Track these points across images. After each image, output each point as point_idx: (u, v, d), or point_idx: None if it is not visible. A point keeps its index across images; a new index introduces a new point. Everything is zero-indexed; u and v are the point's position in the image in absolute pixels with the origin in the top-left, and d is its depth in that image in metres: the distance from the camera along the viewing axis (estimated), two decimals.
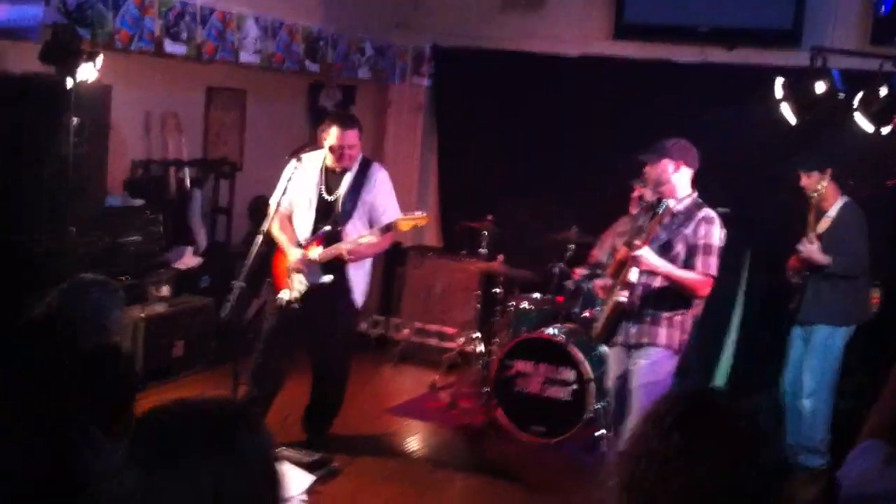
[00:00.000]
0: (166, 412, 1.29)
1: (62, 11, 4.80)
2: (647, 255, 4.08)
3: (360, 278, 4.93)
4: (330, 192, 4.87)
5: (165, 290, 5.82)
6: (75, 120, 4.80)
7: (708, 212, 4.22)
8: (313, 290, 4.81)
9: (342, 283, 4.84)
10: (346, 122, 4.84)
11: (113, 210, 5.53)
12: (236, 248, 6.72)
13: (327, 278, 4.78)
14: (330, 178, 4.89)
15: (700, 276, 4.13)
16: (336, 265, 4.78)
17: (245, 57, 6.19)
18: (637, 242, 4.13)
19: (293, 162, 4.73)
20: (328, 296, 4.81)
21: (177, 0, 5.56)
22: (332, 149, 4.80)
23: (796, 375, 5.28)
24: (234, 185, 6.78)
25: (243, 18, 6.12)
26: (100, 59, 4.82)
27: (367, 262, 5.00)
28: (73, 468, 2.13)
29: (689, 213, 4.22)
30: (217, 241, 6.75)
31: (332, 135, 4.79)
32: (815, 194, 5.02)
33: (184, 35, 5.63)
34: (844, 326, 5.17)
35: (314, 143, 5.01)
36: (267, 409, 4.88)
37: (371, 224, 4.85)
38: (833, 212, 5.13)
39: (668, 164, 4.24)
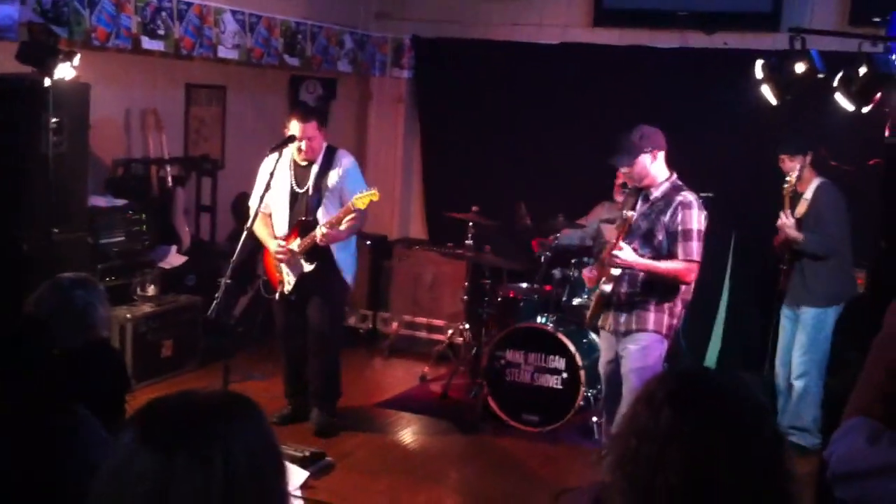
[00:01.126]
0: (174, 398, 1.29)
1: (38, 10, 4.75)
2: (626, 255, 4.06)
3: (346, 258, 5.10)
4: (300, 185, 5.00)
5: (152, 290, 5.78)
6: (54, 119, 4.75)
7: (685, 195, 4.17)
8: (303, 278, 5.00)
9: (331, 265, 5.00)
10: (303, 115, 4.94)
11: (96, 210, 5.48)
12: (221, 245, 6.68)
13: (308, 267, 4.96)
14: (298, 170, 5.01)
15: (682, 263, 4.11)
16: (320, 251, 4.92)
17: (224, 52, 6.14)
18: (609, 246, 4.13)
19: (274, 156, 4.78)
20: (320, 278, 4.99)
21: None
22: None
23: (787, 357, 5.31)
24: (216, 182, 6.73)
25: (220, 13, 6.07)
26: (77, 57, 4.77)
27: (352, 244, 5.16)
28: (65, 461, 2.11)
29: (667, 200, 4.17)
30: (201, 239, 6.70)
31: (292, 128, 4.87)
32: (793, 175, 5.03)
33: (161, 31, 5.58)
34: (832, 307, 5.19)
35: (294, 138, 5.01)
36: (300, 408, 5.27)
37: None
38: (808, 193, 5.14)
39: (644, 158, 4.19)
